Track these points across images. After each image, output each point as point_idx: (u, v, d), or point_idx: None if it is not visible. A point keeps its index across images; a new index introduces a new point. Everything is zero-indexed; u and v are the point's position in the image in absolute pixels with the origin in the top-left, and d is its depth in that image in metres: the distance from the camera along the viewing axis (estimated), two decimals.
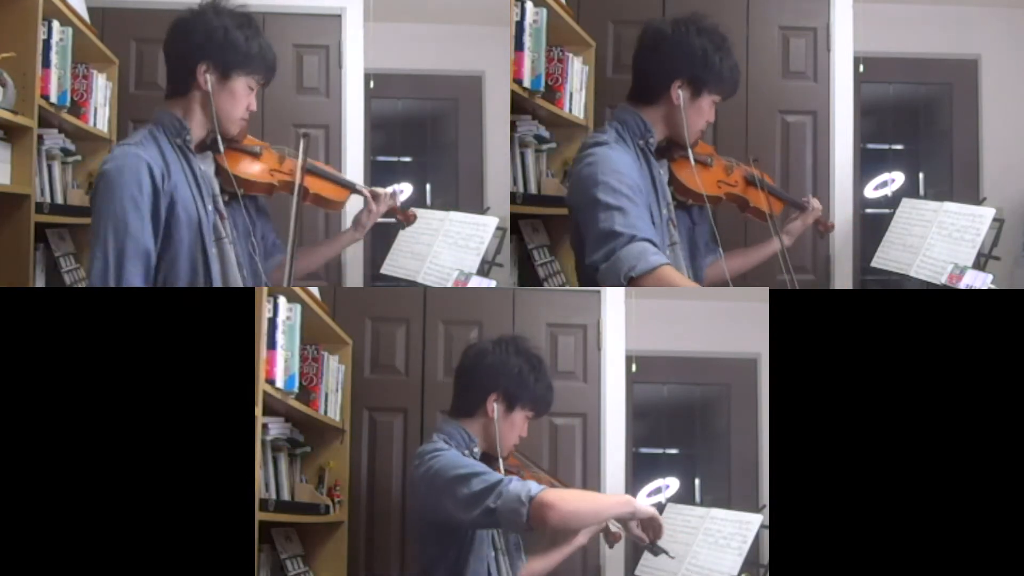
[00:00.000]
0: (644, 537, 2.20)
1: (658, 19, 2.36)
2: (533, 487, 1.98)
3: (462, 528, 2.13)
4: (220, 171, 2.17)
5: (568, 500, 1.99)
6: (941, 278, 2.69)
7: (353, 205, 2.45)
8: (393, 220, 2.52)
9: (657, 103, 2.29)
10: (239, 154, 2.19)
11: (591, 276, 2.19)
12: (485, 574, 2.18)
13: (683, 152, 2.31)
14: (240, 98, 2.14)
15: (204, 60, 2.09)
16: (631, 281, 2.07)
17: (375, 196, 2.37)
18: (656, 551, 2.25)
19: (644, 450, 3.52)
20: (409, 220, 2.49)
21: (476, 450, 2.26)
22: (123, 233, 1.97)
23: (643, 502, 2.23)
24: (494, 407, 2.26)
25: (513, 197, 3.05)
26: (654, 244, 2.11)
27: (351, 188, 2.40)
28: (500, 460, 2.27)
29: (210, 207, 2.12)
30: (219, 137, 2.13)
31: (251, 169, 2.20)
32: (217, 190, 2.16)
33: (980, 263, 2.68)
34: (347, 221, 2.54)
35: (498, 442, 2.26)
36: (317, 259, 2.50)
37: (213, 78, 2.10)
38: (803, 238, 2.86)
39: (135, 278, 1.99)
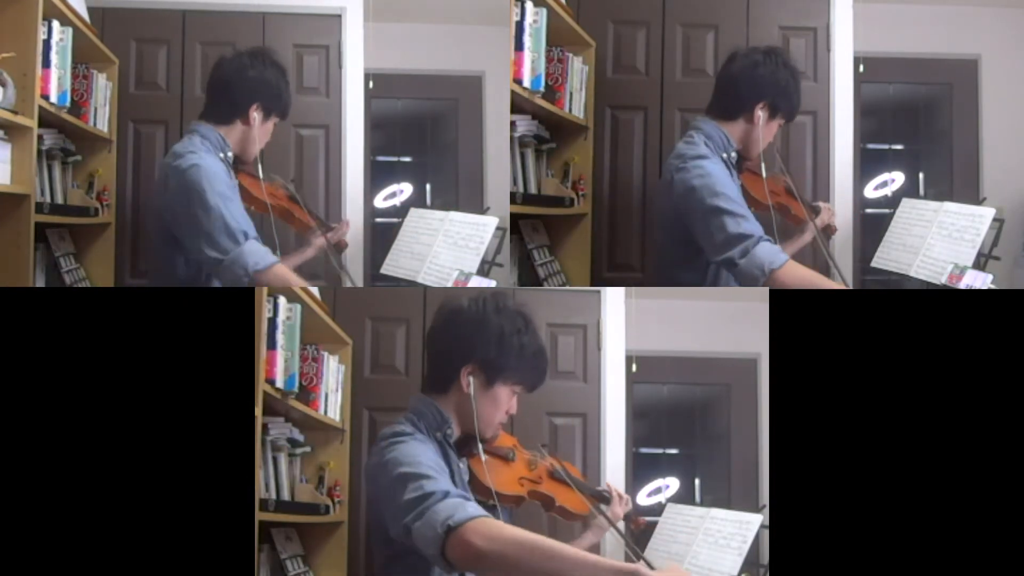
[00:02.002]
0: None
1: (753, 49, 2.63)
2: (460, 513, 1.62)
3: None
4: (242, 189, 2.47)
5: (499, 540, 1.59)
6: (941, 278, 2.69)
7: None
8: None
9: (737, 119, 2.55)
10: (248, 178, 2.52)
11: (691, 273, 2.52)
12: None
13: (751, 164, 2.61)
14: (269, 133, 2.52)
15: (258, 101, 2.45)
16: (771, 274, 2.33)
17: (330, 229, 2.74)
18: None
19: (644, 450, 3.52)
20: (341, 248, 2.76)
21: (450, 432, 1.97)
22: (233, 216, 2.30)
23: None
24: (469, 381, 1.95)
25: (513, 197, 3.05)
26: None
27: (319, 220, 2.74)
28: (479, 444, 1.97)
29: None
30: (259, 161, 2.52)
31: (261, 192, 2.54)
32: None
33: (980, 263, 2.68)
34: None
35: (476, 423, 1.95)
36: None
37: (259, 116, 2.47)
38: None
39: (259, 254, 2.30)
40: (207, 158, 2.37)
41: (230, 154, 2.45)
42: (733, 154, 2.55)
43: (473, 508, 1.65)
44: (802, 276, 2.40)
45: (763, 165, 2.61)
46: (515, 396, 2.03)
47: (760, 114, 2.54)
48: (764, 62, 2.56)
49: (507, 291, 2.23)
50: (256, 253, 2.29)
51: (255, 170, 2.54)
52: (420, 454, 1.82)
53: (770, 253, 2.37)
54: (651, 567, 1.62)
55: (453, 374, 1.97)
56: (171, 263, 2.40)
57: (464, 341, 1.97)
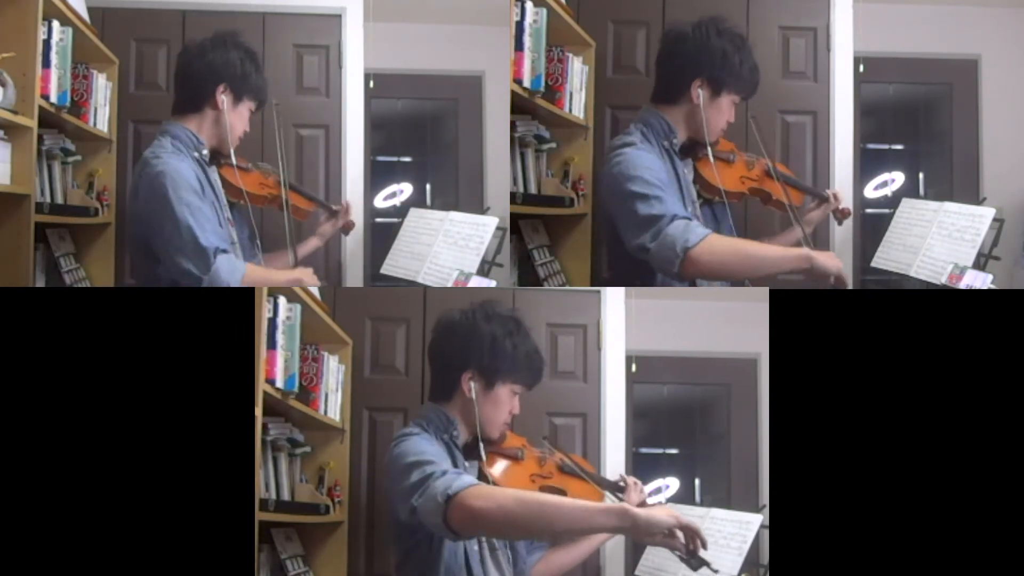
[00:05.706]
0: (679, 546, 1.73)
1: (681, 22, 2.42)
2: (458, 483, 1.74)
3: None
4: (226, 184, 2.43)
5: (494, 499, 1.71)
6: (941, 278, 2.69)
7: None
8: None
9: (678, 103, 2.37)
10: (235, 169, 2.46)
11: (627, 266, 2.34)
12: (462, 569, 2.02)
13: (705, 151, 2.39)
14: (244, 120, 2.45)
15: (223, 82, 2.37)
16: (686, 253, 2.15)
17: (334, 212, 2.77)
18: (694, 564, 1.77)
19: (644, 450, 3.52)
20: (348, 229, 2.83)
21: (456, 433, 2.13)
22: (202, 230, 2.19)
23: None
24: (470, 386, 2.12)
25: (513, 197, 3.05)
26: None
27: (318, 203, 2.80)
28: (481, 445, 2.11)
29: (224, 215, 2.36)
30: (232, 151, 2.41)
31: (250, 183, 2.49)
32: (225, 200, 2.42)
33: (980, 263, 2.68)
34: None
35: (478, 424, 2.10)
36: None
37: (228, 99, 2.38)
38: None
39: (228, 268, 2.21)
40: (174, 162, 2.24)
41: (205, 152, 2.37)
42: (675, 140, 2.36)
43: (468, 478, 1.78)
44: (728, 248, 2.24)
45: (712, 149, 2.39)
46: (516, 396, 2.18)
47: (699, 92, 2.33)
48: (692, 35, 2.34)
49: (496, 300, 2.24)
50: (228, 269, 2.19)
51: (244, 163, 2.49)
52: (424, 445, 2.00)
53: (683, 230, 2.17)
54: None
55: (455, 382, 2.14)
56: (153, 276, 2.28)
57: (460, 350, 2.14)
